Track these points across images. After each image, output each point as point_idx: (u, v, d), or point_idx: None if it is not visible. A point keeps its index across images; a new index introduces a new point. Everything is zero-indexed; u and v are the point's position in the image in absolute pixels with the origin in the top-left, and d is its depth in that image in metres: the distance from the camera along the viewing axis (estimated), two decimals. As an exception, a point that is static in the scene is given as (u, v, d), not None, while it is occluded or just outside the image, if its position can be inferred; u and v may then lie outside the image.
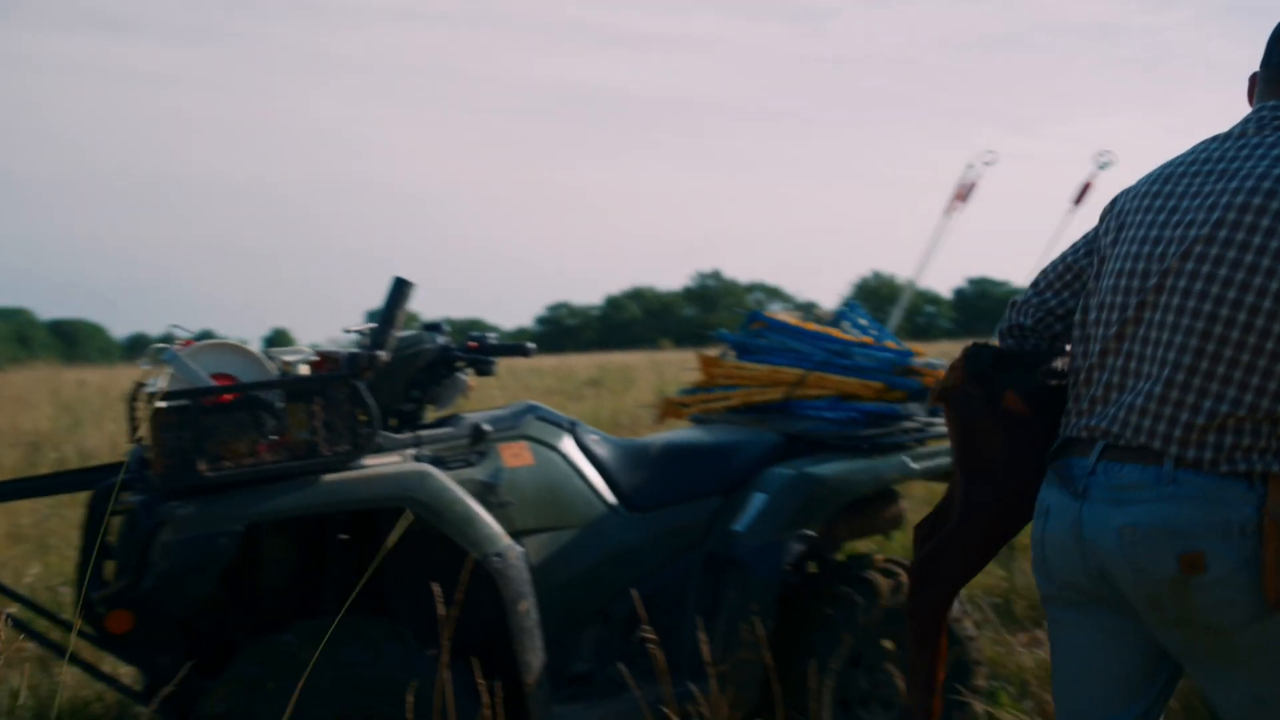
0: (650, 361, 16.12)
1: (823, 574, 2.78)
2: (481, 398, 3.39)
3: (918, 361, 2.88)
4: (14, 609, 2.04)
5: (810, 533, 2.66)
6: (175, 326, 2.42)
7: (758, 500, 2.66)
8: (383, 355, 2.30)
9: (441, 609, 1.83)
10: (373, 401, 2.23)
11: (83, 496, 2.48)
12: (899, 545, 4.32)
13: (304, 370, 2.48)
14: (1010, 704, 2.91)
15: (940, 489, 2.41)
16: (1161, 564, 1.51)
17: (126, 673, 2.82)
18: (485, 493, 2.41)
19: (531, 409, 2.64)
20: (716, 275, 59.49)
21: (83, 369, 18.68)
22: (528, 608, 2.31)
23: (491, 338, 2.60)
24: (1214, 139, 1.67)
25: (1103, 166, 3.48)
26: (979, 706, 2.78)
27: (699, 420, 3.10)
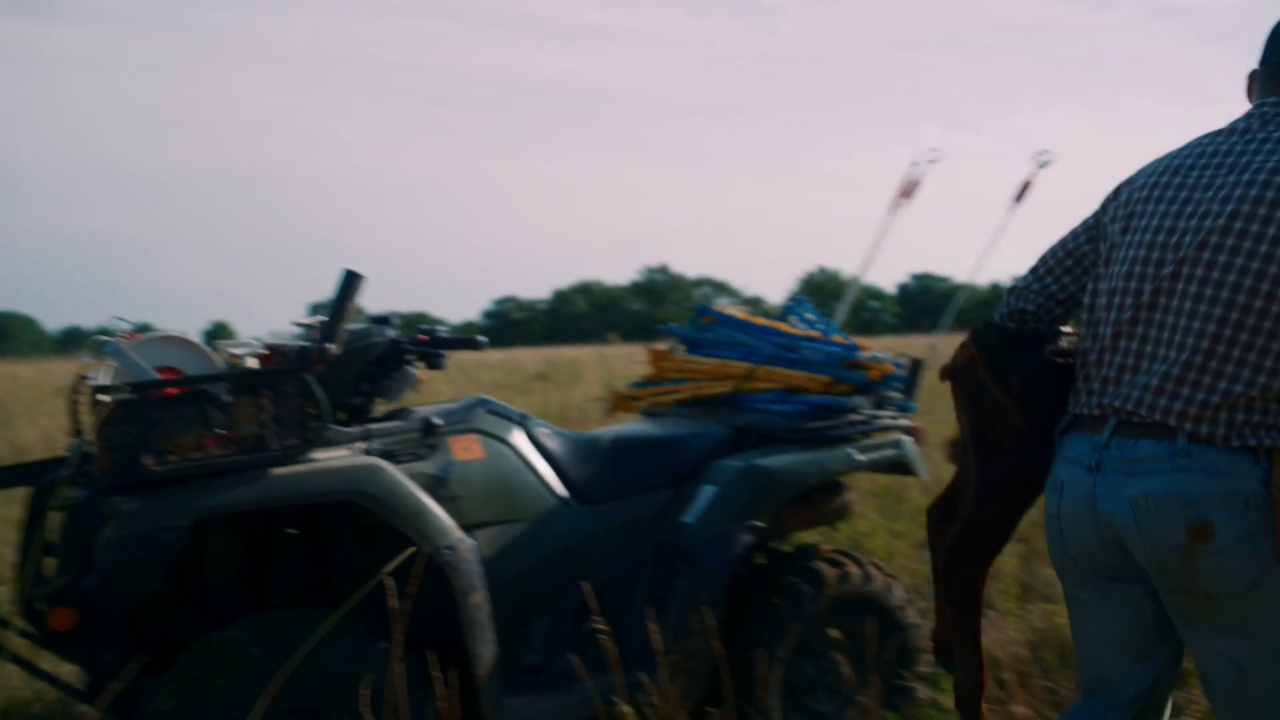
0: (598, 356, 16.11)
1: (771, 564, 2.82)
2: (429, 391, 3.38)
3: (863, 355, 2.94)
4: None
5: (759, 524, 2.70)
6: (117, 318, 2.38)
7: (707, 492, 2.69)
8: (333, 349, 2.28)
9: (393, 602, 1.82)
10: (322, 395, 2.22)
11: (19, 493, 2.43)
12: (845, 536, 4.39)
13: (251, 363, 2.46)
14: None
15: (896, 480, 2.45)
16: (1173, 532, 1.61)
17: (67, 671, 2.77)
18: (436, 486, 2.41)
19: (482, 402, 2.64)
20: (664, 270, 59.70)
21: (14, 363, 18.20)
22: (479, 600, 2.31)
23: (442, 331, 2.59)
24: (1217, 133, 1.76)
25: (1042, 165, 3.57)
26: (923, 692, 2.85)
27: (649, 414, 3.12)
